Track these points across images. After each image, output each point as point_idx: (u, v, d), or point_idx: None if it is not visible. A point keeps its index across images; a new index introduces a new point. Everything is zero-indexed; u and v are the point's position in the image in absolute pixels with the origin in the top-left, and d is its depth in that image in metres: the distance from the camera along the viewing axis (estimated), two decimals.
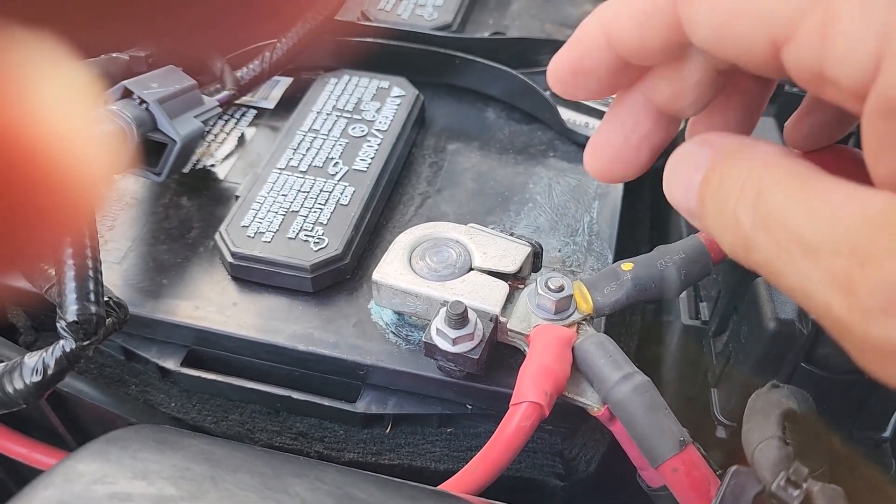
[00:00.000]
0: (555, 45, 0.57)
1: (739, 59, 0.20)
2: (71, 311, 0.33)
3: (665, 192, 0.23)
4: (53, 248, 0.11)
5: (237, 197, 0.46)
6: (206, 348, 0.42)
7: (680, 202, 0.23)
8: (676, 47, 0.21)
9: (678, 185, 0.22)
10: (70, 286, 0.33)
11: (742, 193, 0.20)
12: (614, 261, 0.42)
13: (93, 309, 0.33)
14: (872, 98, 0.18)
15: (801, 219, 0.19)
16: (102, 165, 0.11)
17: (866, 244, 0.17)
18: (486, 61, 0.55)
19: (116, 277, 0.43)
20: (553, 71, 0.23)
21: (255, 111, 0.55)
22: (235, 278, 0.43)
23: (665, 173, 0.23)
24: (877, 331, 0.18)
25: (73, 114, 0.10)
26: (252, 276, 0.43)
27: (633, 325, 0.47)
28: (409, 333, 0.41)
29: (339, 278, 0.43)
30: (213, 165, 0.51)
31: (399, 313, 0.41)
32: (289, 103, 0.54)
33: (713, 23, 0.20)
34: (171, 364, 0.42)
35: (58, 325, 0.33)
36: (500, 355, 0.39)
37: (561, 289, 0.37)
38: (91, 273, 0.33)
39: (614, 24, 0.21)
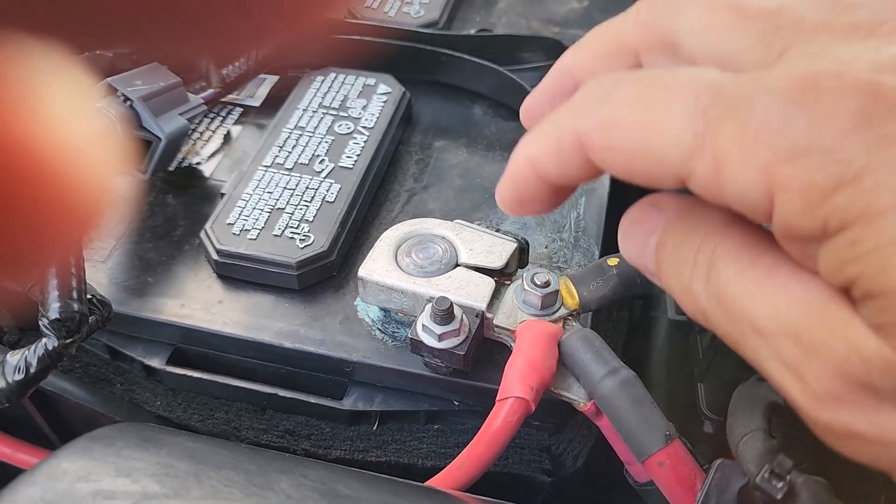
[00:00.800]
0: (541, 42, 0.57)
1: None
2: (53, 308, 0.32)
3: (621, 252, 0.24)
4: (57, 252, 0.10)
5: (223, 194, 0.46)
6: (191, 346, 0.42)
7: (637, 263, 0.24)
8: (600, 172, 0.22)
9: (634, 247, 0.24)
10: (52, 284, 0.32)
11: (696, 264, 0.21)
12: (601, 256, 0.42)
13: (75, 307, 0.33)
14: (775, 227, 0.19)
15: (749, 300, 0.20)
16: (106, 165, 0.10)
17: (808, 334, 0.18)
18: (472, 58, 0.55)
19: (102, 276, 0.43)
20: (502, 204, 0.25)
21: (240, 109, 0.55)
22: (221, 276, 0.43)
23: (619, 235, 0.24)
24: (827, 417, 0.19)
25: (71, 113, 0.10)
26: (238, 273, 0.43)
27: (621, 321, 0.47)
28: (396, 330, 0.40)
29: (325, 275, 0.43)
30: (198, 163, 0.50)
31: (385, 310, 0.41)
32: (275, 101, 0.54)
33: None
34: (156, 362, 0.42)
35: (40, 322, 0.33)
36: (487, 351, 0.39)
37: (547, 284, 0.37)
38: (74, 270, 0.33)
39: (539, 164, 0.23)
